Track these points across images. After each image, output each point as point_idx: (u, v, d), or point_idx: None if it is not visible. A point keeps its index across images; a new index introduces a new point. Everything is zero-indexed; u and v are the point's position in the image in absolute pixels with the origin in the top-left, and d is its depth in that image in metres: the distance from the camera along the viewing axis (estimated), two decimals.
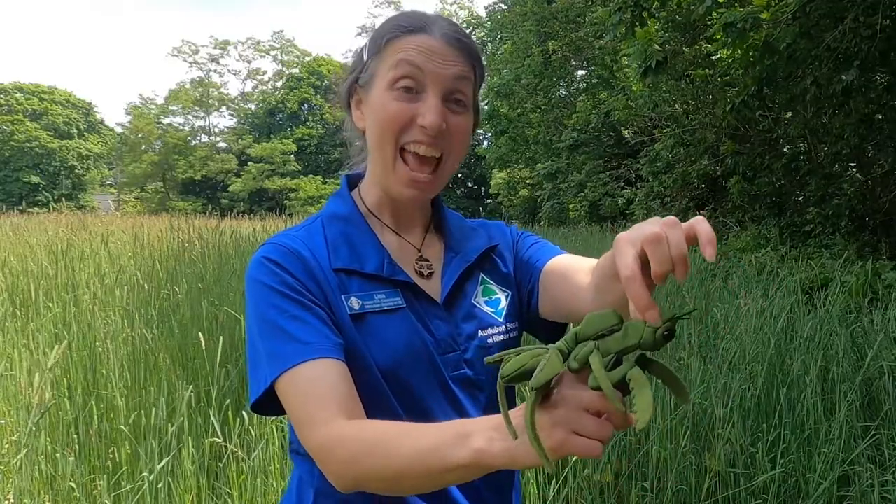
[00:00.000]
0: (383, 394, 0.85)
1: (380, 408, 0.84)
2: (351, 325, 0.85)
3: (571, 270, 0.90)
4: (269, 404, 0.83)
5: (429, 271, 0.94)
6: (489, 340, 0.92)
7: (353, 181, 1.01)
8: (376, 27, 0.92)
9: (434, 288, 0.93)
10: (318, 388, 0.78)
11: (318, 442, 0.76)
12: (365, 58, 0.91)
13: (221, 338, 2.80)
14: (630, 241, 0.61)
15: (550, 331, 1.01)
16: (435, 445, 0.68)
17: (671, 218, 0.60)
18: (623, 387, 0.61)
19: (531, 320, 0.99)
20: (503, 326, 0.95)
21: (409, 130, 0.86)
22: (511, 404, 0.80)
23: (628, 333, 0.62)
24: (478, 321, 0.93)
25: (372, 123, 0.89)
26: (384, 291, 0.88)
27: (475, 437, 0.66)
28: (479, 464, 0.65)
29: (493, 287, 0.98)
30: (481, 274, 0.98)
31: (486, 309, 0.95)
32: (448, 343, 0.89)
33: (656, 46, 6.44)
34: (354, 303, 0.86)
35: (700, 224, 0.58)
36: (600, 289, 0.79)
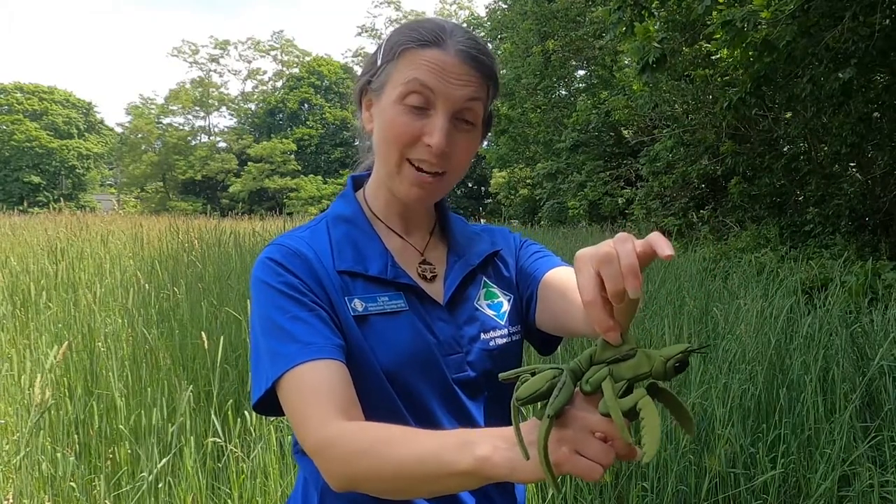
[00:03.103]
0: (387, 395, 0.85)
1: (383, 409, 0.84)
2: (354, 326, 0.85)
3: (570, 286, 0.89)
4: (271, 404, 0.83)
5: (432, 275, 0.94)
6: (491, 343, 0.93)
7: (359, 182, 1.01)
8: (391, 30, 0.91)
9: (437, 291, 0.93)
10: (316, 388, 0.78)
11: (315, 441, 0.77)
12: (379, 62, 0.90)
13: (221, 338, 2.80)
14: (588, 259, 0.61)
15: (544, 342, 1.01)
16: (436, 450, 0.69)
17: (623, 234, 0.61)
18: (632, 414, 0.61)
19: (528, 329, 1.00)
20: (505, 329, 0.95)
21: (415, 147, 0.86)
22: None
23: (641, 361, 0.63)
24: (480, 324, 0.93)
25: (379, 132, 0.89)
26: (387, 294, 0.89)
27: (479, 445, 0.66)
28: (480, 472, 0.65)
29: (496, 290, 0.98)
30: (484, 278, 0.98)
31: (489, 312, 0.95)
32: (451, 345, 0.90)
33: (654, 44, 6.41)
34: (358, 305, 0.87)
35: (654, 235, 0.59)
36: None
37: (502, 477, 0.65)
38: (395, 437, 0.73)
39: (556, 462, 0.62)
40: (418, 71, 0.85)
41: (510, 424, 0.65)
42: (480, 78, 0.87)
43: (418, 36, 0.86)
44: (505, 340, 0.94)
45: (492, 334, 0.93)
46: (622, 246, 0.59)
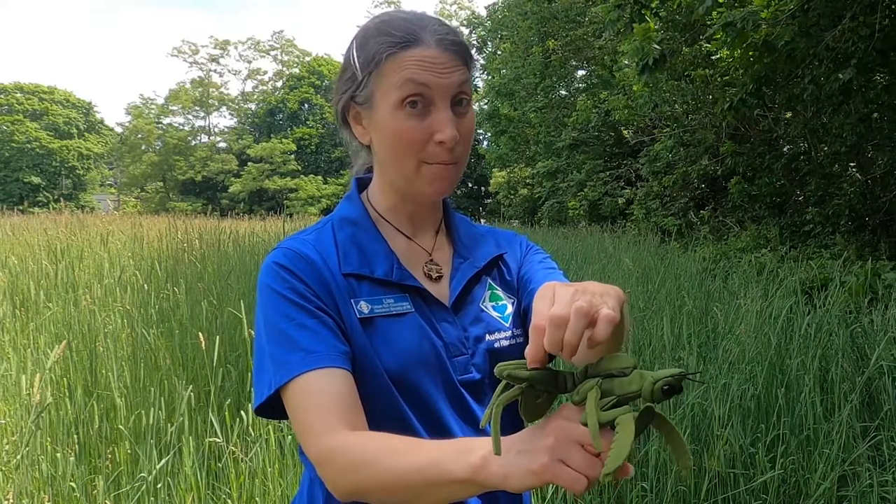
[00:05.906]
0: (392, 397, 0.85)
1: (389, 411, 0.85)
2: (360, 329, 0.86)
3: None
4: (273, 409, 0.84)
5: (437, 275, 0.94)
6: (496, 344, 0.93)
7: (363, 183, 1.01)
8: (359, 42, 0.89)
9: (442, 291, 0.93)
10: (321, 397, 0.79)
11: (319, 451, 0.77)
12: (359, 75, 0.88)
13: (221, 337, 2.80)
14: (552, 297, 0.63)
15: None
16: (435, 459, 0.69)
17: (583, 307, 0.61)
18: (611, 428, 0.61)
19: (525, 336, 1.00)
20: (510, 331, 0.95)
21: (427, 148, 0.86)
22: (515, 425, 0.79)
23: (633, 380, 0.62)
24: (485, 325, 0.93)
25: (384, 143, 0.89)
26: (393, 296, 0.89)
27: (475, 454, 0.67)
28: (475, 480, 0.66)
29: (500, 293, 0.98)
30: (489, 280, 0.98)
31: (494, 314, 0.95)
32: (456, 346, 0.90)
33: (654, 45, 6.41)
34: (364, 307, 0.87)
35: (602, 321, 0.61)
36: None
37: (496, 485, 0.65)
38: (396, 446, 0.74)
39: (537, 470, 0.62)
40: (409, 72, 0.84)
41: (516, 427, 0.65)
42: (462, 59, 0.88)
43: (395, 39, 0.85)
44: (509, 343, 0.94)
45: (496, 336, 0.93)
46: (576, 322, 0.60)
